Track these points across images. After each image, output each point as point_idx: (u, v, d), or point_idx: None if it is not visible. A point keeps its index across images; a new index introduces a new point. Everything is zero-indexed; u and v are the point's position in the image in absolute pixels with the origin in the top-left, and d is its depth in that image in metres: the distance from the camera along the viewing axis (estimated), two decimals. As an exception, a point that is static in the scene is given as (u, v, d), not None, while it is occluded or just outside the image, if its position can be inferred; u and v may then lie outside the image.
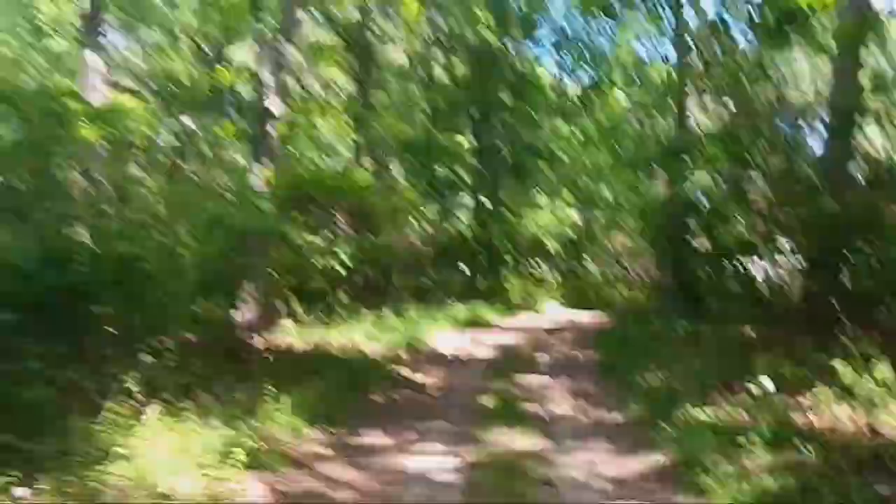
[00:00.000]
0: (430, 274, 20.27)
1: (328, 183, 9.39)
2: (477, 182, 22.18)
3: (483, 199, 22.04)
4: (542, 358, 12.00)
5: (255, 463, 5.73)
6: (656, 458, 6.19)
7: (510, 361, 11.51)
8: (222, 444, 5.81)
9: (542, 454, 6.42)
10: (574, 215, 23.59)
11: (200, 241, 9.24)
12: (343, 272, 9.95)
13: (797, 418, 6.54)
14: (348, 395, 8.41)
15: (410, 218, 16.96)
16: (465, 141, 23.29)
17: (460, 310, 16.95)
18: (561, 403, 8.50)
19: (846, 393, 6.61)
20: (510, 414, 7.86)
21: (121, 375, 6.58)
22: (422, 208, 18.68)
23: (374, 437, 6.97)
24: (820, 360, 7.52)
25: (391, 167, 19.33)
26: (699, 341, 11.09)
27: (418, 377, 10.15)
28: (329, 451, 6.44)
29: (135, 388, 6.56)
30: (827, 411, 6.51)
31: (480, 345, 13.44)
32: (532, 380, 9.97)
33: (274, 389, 7.85)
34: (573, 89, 27.41)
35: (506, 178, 22.31)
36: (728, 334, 10.72)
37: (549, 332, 15.71)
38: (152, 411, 6.01)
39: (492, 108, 22.80)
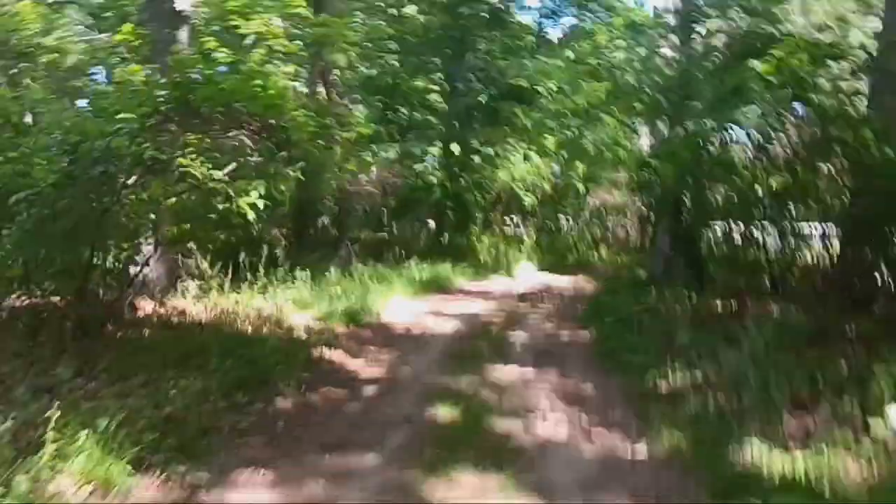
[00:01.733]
0: (388, 227, 17.35)
1: (223, 90, 6.23)
2: (446, 126, 19.09)
3: (453, 145, 18.97)
4: (519, 337, 9.15)
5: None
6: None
7: (478, 341, 8.65)
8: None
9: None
10: (553, 166, 20.58)
11: (42, 169, 6.29)
12: (252, 217, 6.92)
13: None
14: (235, 398, 5.51)
15: (367, 158, 13.91)
16: (434, 81, 20.17)
17: (421, 270, 14.03)
18: (551, 418, 5.65)
19: None
20: (476, 439, 5.02)
21: None
22: (382, 151, 15.64)
23: (246, 490, 4.09)
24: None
25: (347, 103, 16.15)
26: (725, 325, 8.33)
27: (354, 364, 7.26)
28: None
29: None
30: None
31: (442, 316, 10.57)
32: (507, 372, 7.13)
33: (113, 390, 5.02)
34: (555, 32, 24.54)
35: (479, 124, 19.21)
36: (772, 319, 7.92)
37: (525, 299, 12.87)
38: None
39: (465, 47, 19.66)
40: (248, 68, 6.60)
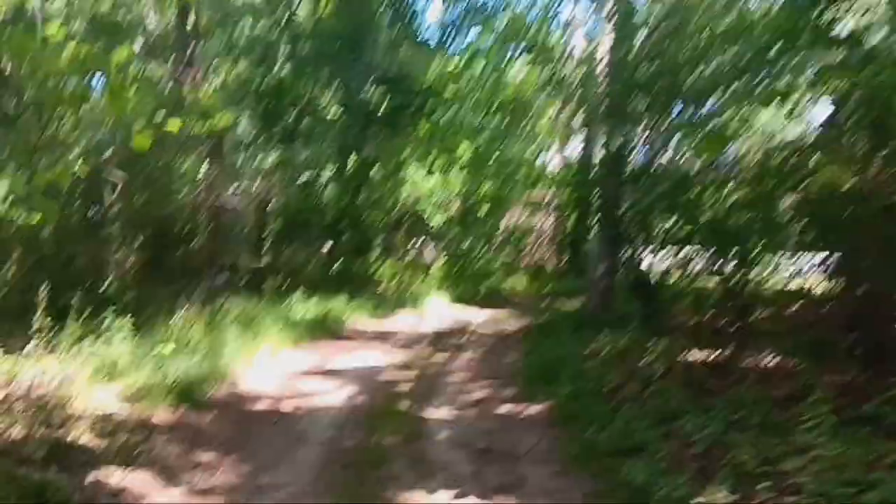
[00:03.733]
0: (270, 253, 13.97)
1: None
2: (341, 135, 15.90)
3: (349, 157, 15.83)
4: (442, 416, 6.06)
5: None
6: None
7: (381, 431, 5.50)
8: None
9: None
10: (463, 182, 17.56)
11: None
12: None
13: None
14: None
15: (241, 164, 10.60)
16: (326, 84, 16.96)
17: (307, 307, 10.79)
18: None
19: None
20: None
21: None
22: (258, 157, 12.34)
23: None
24: None
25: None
26: (746, 392, 5.60)
27: (153, 497, 3.98)
28: None
29: None
30: None
31: (330, 377, 7.39)
32: None
33: None
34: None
35: (378, 132, 16.10)
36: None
37: (440, 345, 9.83)
38: None
39: (363, 44, 16.56)
40: None
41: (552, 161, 21.77)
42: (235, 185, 12.37)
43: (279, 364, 7.75)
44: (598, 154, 14.45)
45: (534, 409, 6.27)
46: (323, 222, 14.86)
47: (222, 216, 12.48)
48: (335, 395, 6.57)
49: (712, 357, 7.60)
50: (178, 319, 7.97)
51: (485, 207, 18.02)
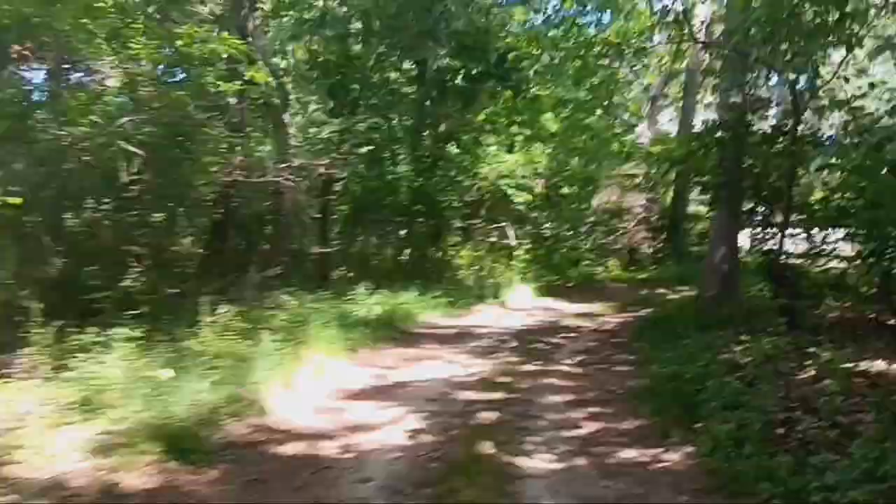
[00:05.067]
0: (335, 239, 12.33)
1: None
2: (415, 110, 14.08)
3: (421, 132, 14.00)
4: (542, 471, 4.16)
5: None
6: None
7: (454, 495, 3.66)
8: None
9: None
10: (549, 158, 15.43)
11: None
12: None
13: None
14: None
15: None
16: (399, 57, 15.14)
17: (371, 302, 9.07)
18: None
19: None
20: None
21: None
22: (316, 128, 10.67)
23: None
24: None
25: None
26: None
27: None
28: None
29: None
30: None
31: (391, 398, 5.61)
32: None
33: None
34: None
35: (455, 105, 14.16)
36: None
37: (528, 349, 7.91)
38: None
39: (437, 18, 14.58)
40: None
41: (644, 134, 19.41)
42: (298, 164, 10.76)
43: (327, 380, 6.02)
44: (700, 120, 12.28)
45: (672, 456, 4.30)
46: (395, 204, 13.08)
47: (283, 199, 10.94)
48: (394, 430, 4.77)
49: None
50: (204, 325, 6.33)
51: (572, 186, 15.91)
